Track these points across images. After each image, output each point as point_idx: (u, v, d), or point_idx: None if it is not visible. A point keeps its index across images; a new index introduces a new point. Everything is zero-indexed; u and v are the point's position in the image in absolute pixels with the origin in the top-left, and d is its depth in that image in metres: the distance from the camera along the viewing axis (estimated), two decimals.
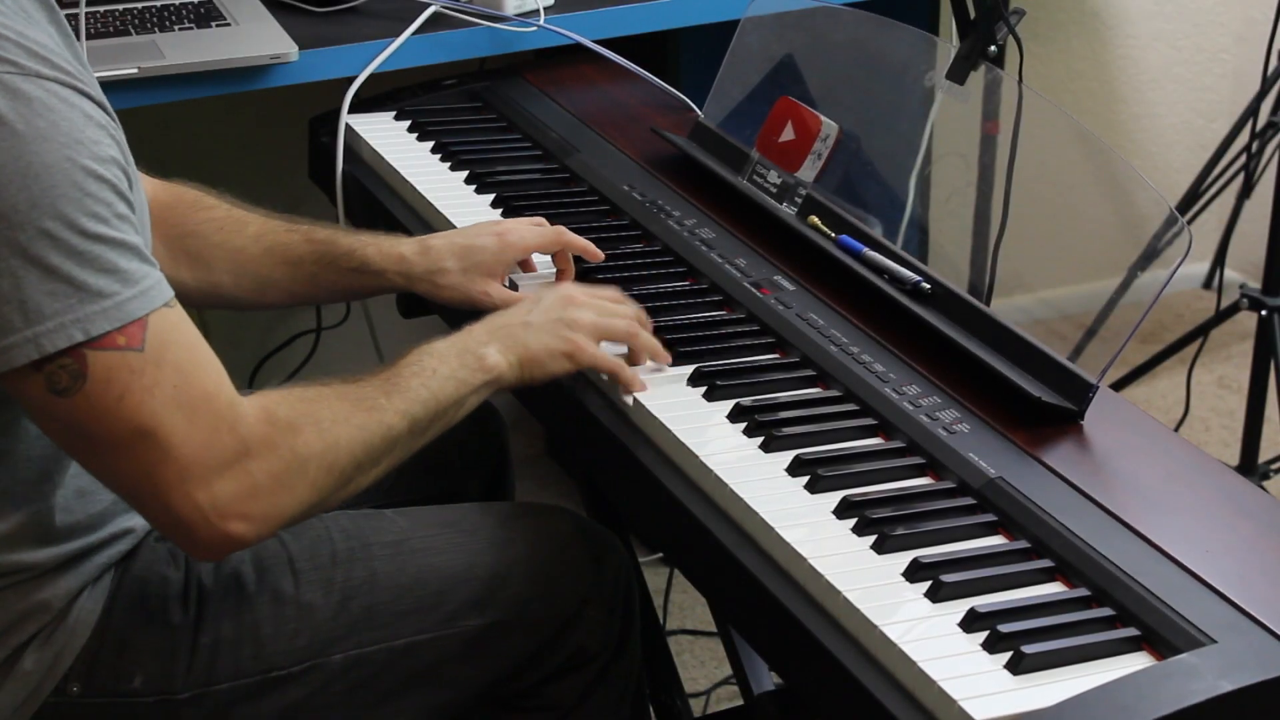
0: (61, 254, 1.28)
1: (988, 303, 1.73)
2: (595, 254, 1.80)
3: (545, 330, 1.58)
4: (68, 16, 1.47)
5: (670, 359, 1.65)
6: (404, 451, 1.49)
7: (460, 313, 1.83)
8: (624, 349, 1.64)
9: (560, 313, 1.60)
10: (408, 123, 2.21)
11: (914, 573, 1.35)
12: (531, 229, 1.80)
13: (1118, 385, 3.23)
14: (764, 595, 1.38)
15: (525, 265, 1.83)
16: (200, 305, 1.82)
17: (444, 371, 1.51)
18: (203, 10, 2.29)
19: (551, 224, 1.84)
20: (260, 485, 1.37)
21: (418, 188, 2.02)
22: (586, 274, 1.81)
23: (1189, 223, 3.12)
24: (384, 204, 2.05)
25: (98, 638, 1.50)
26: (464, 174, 2.07)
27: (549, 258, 1.83)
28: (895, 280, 1.72)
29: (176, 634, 1.53)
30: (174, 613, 1.53)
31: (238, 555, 1.56)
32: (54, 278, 1.28)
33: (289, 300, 1.84)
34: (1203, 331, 3.15)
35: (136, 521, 1.56)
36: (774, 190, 1.91)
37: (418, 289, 1.78)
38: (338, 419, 1.42)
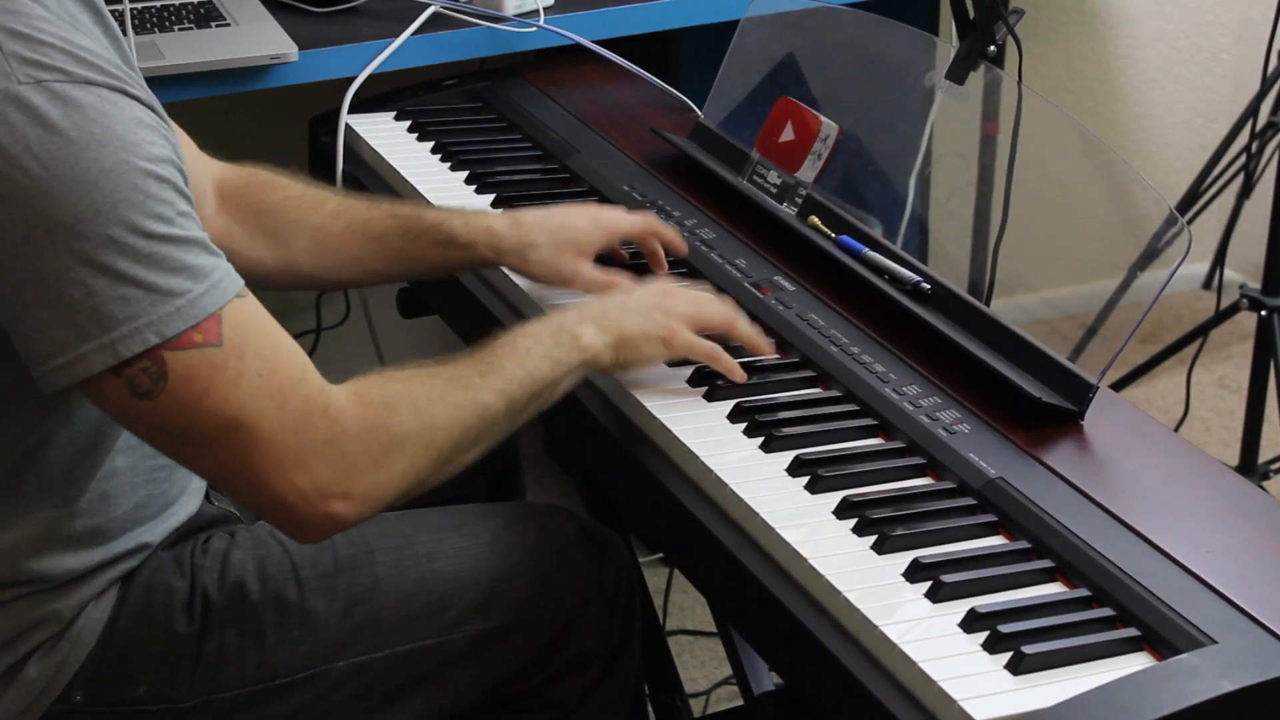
0: (129, 258, 1.27)
1: (988, 303, 1.73)
2: (681, 247, 1.80)
3: (641, 314, 1.57)
4: (114, 14, 1.45)
5: (773, 348, 1.65)
6: (503, 432, 1.47)
7: (463, 317, 1.83)
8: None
9: (657, 300, 1.59)
10: (408, 123, 2.21)
11: (914, 573, 1.35)
12: (624, 214, 1.80)
13: (1118, 385, 3.23)
14: (764, 595, 1.38)
15: (616, 254, 1.82)
16: (280, 286, 1.81)
17: (538, 351, 1.49)
18: (203, 10, 2.29)
19: None
20: (358, 465, 1.36)
21: (418, 188, 2.02)
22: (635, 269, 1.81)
23: (1189, 223, 3.12)
24: None
25: (103, 646, 1.50)
26: (464, 174, 2.07)
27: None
28: (895, 280, 1.72)
29: (181, 642, 1.52)
30: (179, 621, 1.53)
31: (242, 564, 1.56)
32: (124, 282, 1.27)
33: (370, 278, 1.83)
34: (1203, 331, 3.15)
35: (152, 536, 1.55)
36: (774, 190, 1.91)
37: (506, 262, 1.76)
38: (433, 398, 1.41)
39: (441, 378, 1.43)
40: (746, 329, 1.63)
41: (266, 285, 1.80)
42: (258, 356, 1.33)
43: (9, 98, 1.26)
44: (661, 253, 1.80)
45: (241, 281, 1.35)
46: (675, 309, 1.59)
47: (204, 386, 1.31)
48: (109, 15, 1.44)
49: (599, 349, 1.54)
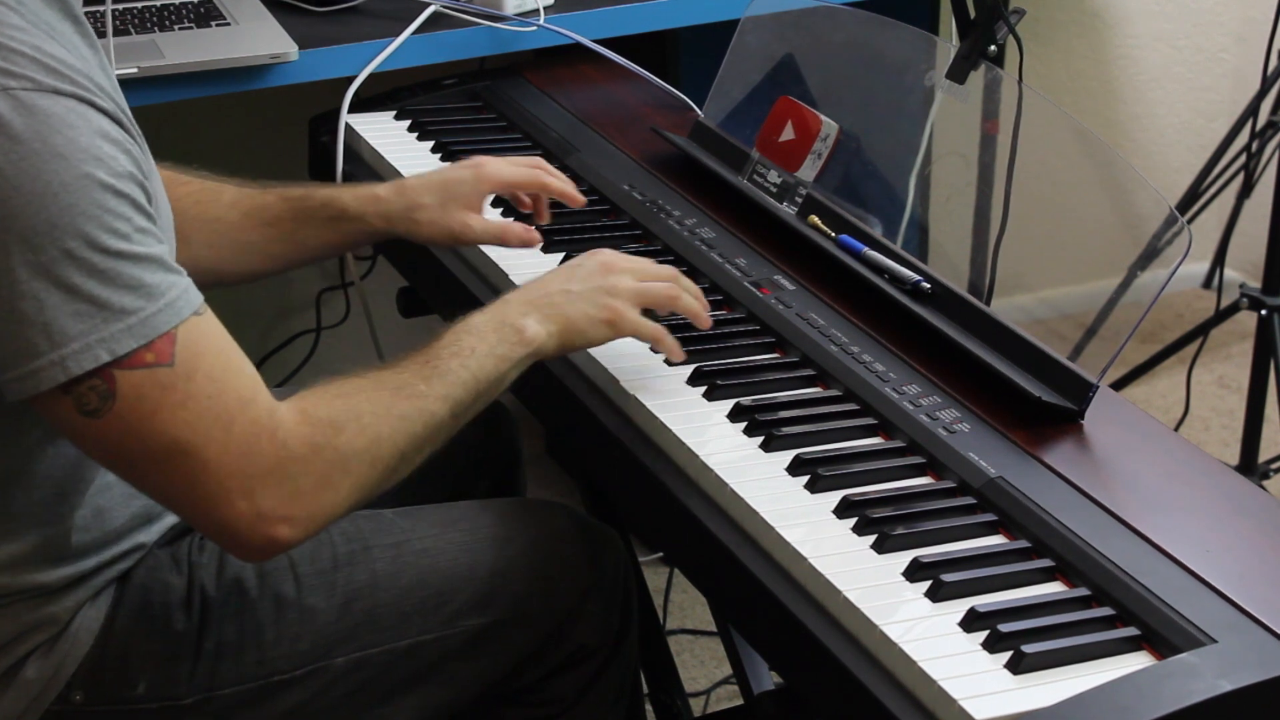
0: (84, 273, 1.26)
1: (988, 302, 1.73)
2: (576, 198, 1.80)
3: (585, 298, 1.55)
4: (95, 13, 1.43)
5: (710, 323, 1.64)
6: (447, 434, 1.46)
7: (460, 313, 1.82)
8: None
9: (600, 280, 1.57)
10: (408, 122, 2.21)
11: (914, 572, 1.35)
12: (508, 164, 1.80)
13: (1118, 385, 3.23)
14: (764, 595, 1.38)
15: (518, 203, 1.85)
16: None
17: (483, 349, 1.48)
18: (203, 10, 2.29)
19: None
20: (303, 488, 1.35)
21: None
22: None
23: (1189, 222, 3.12)
24: None
25: (100, 646, 1.50)
26: None
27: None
28: (895, 280, 1.72)
29: (179, 640, 1.52)
30: (177, 619, 1.53)
31: (239, 561, 1.56)
32: (77, 298, 1.26)
33: (269, 264, 1.81)
34: (1203, 331, 3.15)
35: (148, 537, 1.55)
36: (774, 190, 1.91)
37: (398, 229, 1.77)
38: (378, 412, 1.40)
39: (387, 387, 1.43)
40: (689, 303, 1.61)
41: None
42: (208, 378, 1.31)
43: None
44: (545, 204, 1.81)
45: (200, 298, 1.34)
46: (619, 288, 1.57)
47: (152, 408, 1.29)
48: (88, 24, 1.43)
49: (543, 340, 1.52)
